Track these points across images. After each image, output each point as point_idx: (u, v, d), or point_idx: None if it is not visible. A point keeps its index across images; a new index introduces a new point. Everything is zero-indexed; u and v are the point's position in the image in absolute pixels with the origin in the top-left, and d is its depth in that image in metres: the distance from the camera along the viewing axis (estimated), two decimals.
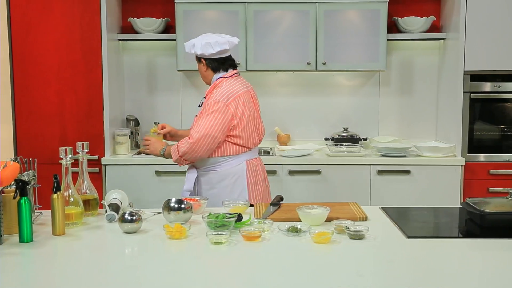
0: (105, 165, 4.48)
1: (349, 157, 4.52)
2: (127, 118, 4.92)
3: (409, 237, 2.42)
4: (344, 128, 4.93)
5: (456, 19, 4.50)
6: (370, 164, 4.47)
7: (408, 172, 4.45)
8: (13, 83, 4.49)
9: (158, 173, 4.46)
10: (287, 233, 2.46)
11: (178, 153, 3.27)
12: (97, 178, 4.47)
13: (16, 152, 4.52)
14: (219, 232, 2.39)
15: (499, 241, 2.39)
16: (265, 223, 2.55)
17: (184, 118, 5.03)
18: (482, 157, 4.52)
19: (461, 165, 4.43)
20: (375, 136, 5.01)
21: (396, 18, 4.81)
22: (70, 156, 2.63)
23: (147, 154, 3.76)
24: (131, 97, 5.04)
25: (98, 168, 4.49)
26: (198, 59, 3.43)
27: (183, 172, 4.40)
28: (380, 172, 4.46)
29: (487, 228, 2.54)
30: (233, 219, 2.50)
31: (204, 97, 3.42)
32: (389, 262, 2.18)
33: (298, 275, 2.05)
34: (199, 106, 3.45)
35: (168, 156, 3.38)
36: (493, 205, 2.62)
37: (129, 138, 4.73)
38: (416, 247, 2.33)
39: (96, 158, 4.48)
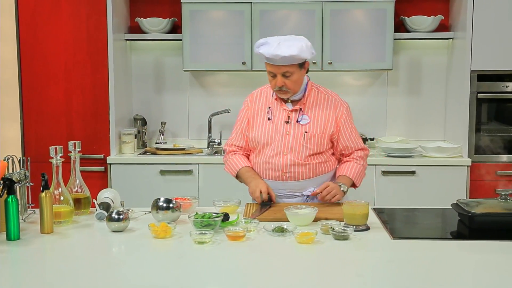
0: (110, 164, 4.51)
1: None
2: (134, 118, 4.95)
3: (394, 238, 2.41)
4: None
5: (464, 18, 4.45)
6: (375, 165, 4.44)
7: (413, 172, 4.41)
8: (21, 83, 4.55)
9: (162, 172, 4.48)
10: (272, 233, 2.46)
11: (365, 170, 3.14)
12: (103, 177, 4.52)
13: (23, 151, 4.58)
14: (203, 232, 2.40)
15: (486, 243, 2.36)
16: (251, 223, 2.54)
17: (191, 118, 5.06)
18: (489, 158, 4.46)
19: (467, 166, 4.38)
20: (383, 136, 4.98)
21: (404, 17, 4.77)
22: (61, 155, 2.65)
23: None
24: (139, 97, 5.07)
25: (103, 167, 4.53)
26: (301, 65, 2.91)
27: (188, 172, 4.47)
28: (384, 173, 4.43)
29: (475, 230, 2.50)
30: (219, 219, 2.51)
31: (300, 109, 3.01)
32: (368, 263, 2.17)
33: (277, 274, 2.04)
34: (287, 122, 3.02)
35: (351, 184, 3.07)
36: (483, 207, 2.58)
37: (135, 138, 4.76)
38: (398, 248, 2.31)
39: (102, 157, 4.53)
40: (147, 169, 4.51)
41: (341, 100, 3.09)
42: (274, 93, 3.03)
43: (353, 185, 3.09)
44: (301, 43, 2.87)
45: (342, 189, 2.95)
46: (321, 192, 2.90)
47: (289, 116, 3.00)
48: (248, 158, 3.14)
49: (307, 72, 3.01)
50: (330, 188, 2.89)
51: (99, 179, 4.50)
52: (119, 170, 4.51)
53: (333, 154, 3.11)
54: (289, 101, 3.02)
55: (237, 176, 3.12)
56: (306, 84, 3.04)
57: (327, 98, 3.06)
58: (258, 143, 3.03)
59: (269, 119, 3.03)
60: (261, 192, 2.89)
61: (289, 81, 2.90)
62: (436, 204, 4.12)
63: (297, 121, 2.99)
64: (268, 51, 2.86)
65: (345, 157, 3.10)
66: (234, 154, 3.14)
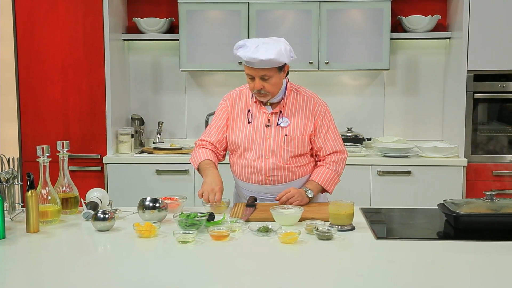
0: (107, 163, 4.52)
1: (350, 157, 4.44)
2: (132, 117, 4.96)
3: (378, 238, 2.40)
4: (348, 128, 4.89)
5: (461, 18, 4.43)
6: (371, 165, 4.43)
7: (409, 173, 4.40)
8: (18, 82, 4.57)
9: (158, 172, 4.49)
10: (257, 233, 2.46)
11: (338, 177, 3.09)
12: (99, 177, 4.53)
13: (21, 151, 4.60)
14: (187, 231, 2.40)
15: (471, 243, 2.35)
16: (237, 222, 2.55)
17: (188, 118, 5.07)
18: (485, 158, 4.44)
19: (463, 166, 4.36)
20: (380, 136, 4.97)
21: (401, 17, 4.75)
22: (48, 154, 2.67)
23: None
24: (137, 97, 5.09)
25: (100, 167, 4.54)
26: (280, 68, 2.87)
27: (184, 171, 4.47)
28: (380, 173, 4.41)
29: (461, 230, 2.49)
30: (204, 219, 2.51)
31: (280, 112, 2.98)
32: (349, 263, 2.16)
33: (256, 273, 2.05)
34: (267, 125, 2.98)
35: (320, 190, 3.03)
36: (469, 207, 2.57)
37: (132, 137, 4.77)
38: (381, 248, 2.30)
39: (98, 157, 4.54)
40: (143, 169, 4.52)
41: (320, 100, 3.04)
42: (253, 95, 3.00)
43: (325, 191, 3.04)
44: (279, 47, 2.81)
45: (307, 194, 2.91)
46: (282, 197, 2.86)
47: (269, 120, 2.97)
48: (215, 155, 3.05)
49: (287, 75, 2.99)
50: (290, 194, 2.84)
51: (95, 178, 4.51)
52: (115, 169, 4.52)
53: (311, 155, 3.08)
54: (268, 103, 2.99)
55: (198, 169, 3.04)
56: (286, 86, 3.00)
57: (306, 98, 3.01)
58: (238, 146, 3.00)
59: (249, 122, 3.00)
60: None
61: (267, 84, 2.86)
62: (432, 204, 4.08)
63: (277, 124, 2.95)
64: (246, 54, 2.83)
65: (320, 159, 3.05)
66: (202, 147, 3.08)
